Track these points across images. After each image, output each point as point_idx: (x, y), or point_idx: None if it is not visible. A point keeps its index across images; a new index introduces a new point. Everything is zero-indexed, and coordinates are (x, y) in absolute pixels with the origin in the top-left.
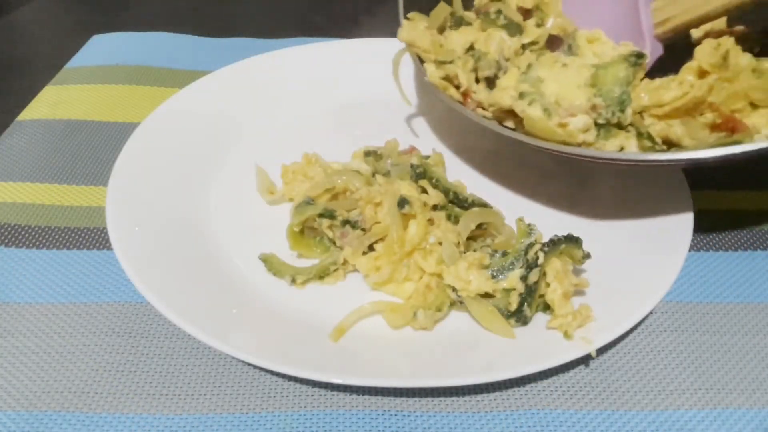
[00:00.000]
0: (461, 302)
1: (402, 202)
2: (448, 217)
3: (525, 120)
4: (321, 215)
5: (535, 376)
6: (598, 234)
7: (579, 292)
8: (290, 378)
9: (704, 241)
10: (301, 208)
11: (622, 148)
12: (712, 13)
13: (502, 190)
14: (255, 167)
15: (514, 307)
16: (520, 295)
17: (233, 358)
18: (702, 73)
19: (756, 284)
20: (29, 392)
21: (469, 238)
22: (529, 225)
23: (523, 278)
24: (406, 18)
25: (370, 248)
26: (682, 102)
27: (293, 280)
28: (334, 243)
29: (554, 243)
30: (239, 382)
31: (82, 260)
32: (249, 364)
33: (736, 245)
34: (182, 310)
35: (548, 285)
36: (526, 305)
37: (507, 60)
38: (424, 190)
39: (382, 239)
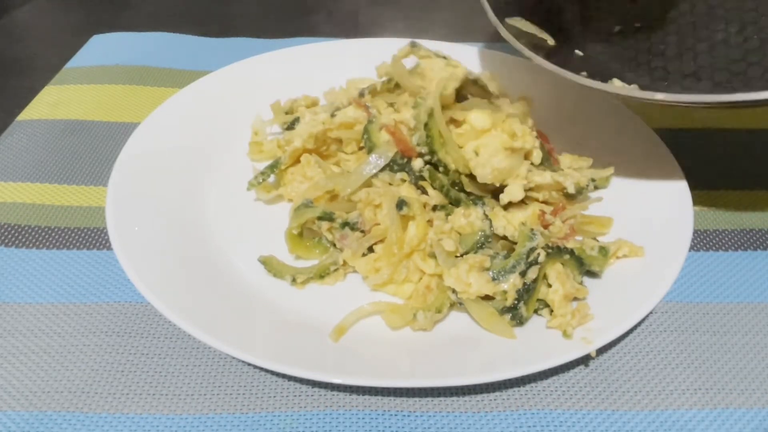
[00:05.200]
0: (461, 303)
1: (401, 204)
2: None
3: None
4: (320, 218)
5: (535, 376)
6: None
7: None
8: (290, 378)
9: (704, 241)
10: (300, 211)
11: None
12: None
13: None
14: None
15: (509, 302)
16: (517, 291)
17: (233, 358)
18: None
19: (756, 284)
20: (29, 392)
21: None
22: (532, 230)
23: (522, 273)
24: None
25: (370, 249)
26: None
27: (293, 280)
28: (334, 244)
29: (559, 249)
30: (239, 382)
31: (82, 260)
32: (249, 364)
33: (736, 245)
34: (182, 310)
35: (550, 286)
36: (522, 302)
37: None
38: (424, 191)
39: (381, 241)
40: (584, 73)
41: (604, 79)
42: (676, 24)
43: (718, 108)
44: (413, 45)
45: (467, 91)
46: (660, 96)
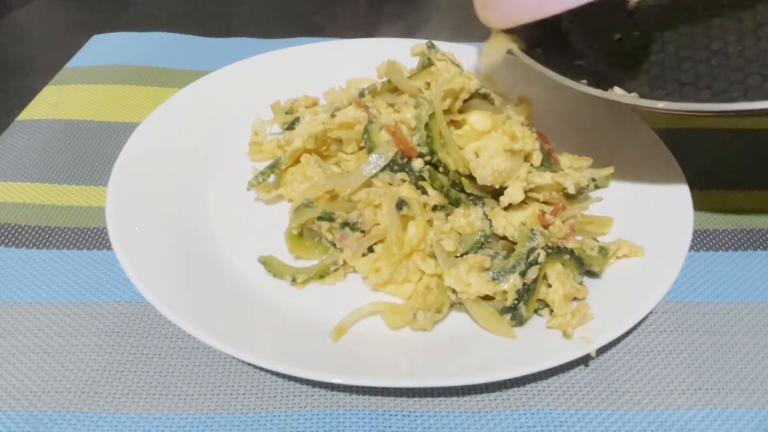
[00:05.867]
0: (461, 303)
1: (401, 204)
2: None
3: None
4: (320, 218)
5: (535, 376)
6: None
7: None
8: (290, 378)
9: (704, 241)
10: (300, 211)
11: None
12: None
13: None
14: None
15: (509, 302)
16: (517, 291)
17: (233, 358)
18: None
19: (756, 284)
20: (29, 392)
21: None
22: (532, 230)
23: (522, 273)
24: None
25: (370, 249)
26: None
27: (293, 280)
28: (334, 244)
29: (559, 249)
30: (239, 382)
31: (82, 260)
32: (249, 364)
33: (736, 245)
34: (182, 310)
35: (549, 286)
36: (522, 302)
37: None
38: (424, 191)
39: (381, 241)
40: (584, 81)
41: (605, 87)
42: (675, 32)
43: (718, 117)
44: (430, 46)
45: (471, 98)
46: (661, 105)
